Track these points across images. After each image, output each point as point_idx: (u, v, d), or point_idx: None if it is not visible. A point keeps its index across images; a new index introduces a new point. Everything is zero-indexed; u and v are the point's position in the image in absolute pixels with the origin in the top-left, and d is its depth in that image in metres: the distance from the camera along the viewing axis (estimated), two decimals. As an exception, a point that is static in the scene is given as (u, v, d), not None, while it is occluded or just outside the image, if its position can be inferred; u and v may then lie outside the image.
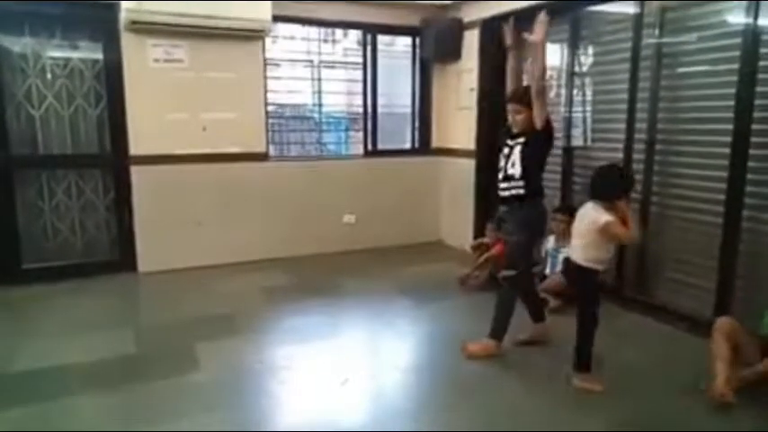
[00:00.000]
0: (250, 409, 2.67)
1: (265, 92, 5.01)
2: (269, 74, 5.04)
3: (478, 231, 5.16)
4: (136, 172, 4.61)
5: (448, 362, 3.17)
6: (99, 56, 4.55)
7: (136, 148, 4.58)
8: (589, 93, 4.36)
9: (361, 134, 5.69)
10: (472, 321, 3.84)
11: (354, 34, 5.64)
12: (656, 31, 3.69)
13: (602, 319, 2.89)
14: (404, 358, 3.34)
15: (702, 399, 2.67)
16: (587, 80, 4.36)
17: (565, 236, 3.97)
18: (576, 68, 4.41)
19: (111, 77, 4.54)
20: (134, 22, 4.30)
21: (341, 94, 5.84)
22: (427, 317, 3.87)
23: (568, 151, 4.49)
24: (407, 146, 5.87)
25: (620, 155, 3.92)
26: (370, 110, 5.55)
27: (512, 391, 2.86)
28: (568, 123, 4.46)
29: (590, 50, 4.33)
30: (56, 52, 4.48)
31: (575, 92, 4.43)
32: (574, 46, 4.39)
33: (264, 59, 4.97)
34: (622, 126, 3.91)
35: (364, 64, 5.47)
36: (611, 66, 4.09)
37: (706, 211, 3.48)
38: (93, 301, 4.14)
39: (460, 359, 3.17)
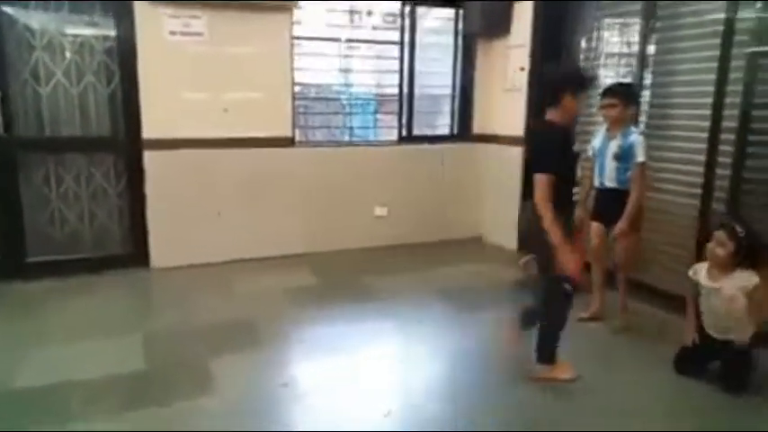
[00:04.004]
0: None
1: (292, 70, 4.53)
2: (295, 51, 4.55)
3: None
4: (150, 157, 4.19)
5: (501, 387, 2.71)
6: (111, 28, 4.12)
7: (150, 130, 4.16)
8: (663, 76, 3.76)
9: (389, 117, 5.20)
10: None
11: (381, 9, 5.11)
12: (758, 4, 3.09)
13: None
14: (451, 382, 2.87)
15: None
16: (660, 60, 3.76)
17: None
18: (650, 48, 3.79)
19: (124, 52, 4.11)
20: (148, -10, 3.87)
21: (370, 74, 5.36)
22: (472, 329, 3.39)
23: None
24: (446, 131, 5.34)
25: (704, 145, 3.35)
26: (406, 91, 5.03)
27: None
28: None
29: (668, 25, 3.71)
30: (64, 24, 4.05)
31: (645, 74, 3.83)
32: (647, 22, 3.78)
33: (292, 33, 4.48)
34: (707, 112, 3.34)
35: (401, 40, 4.94)
36: (695, 42, 3.49)
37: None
38: (102, 300, 3.76)
39: (515, 384, 2.71)
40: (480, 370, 2.94)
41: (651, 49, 3.77)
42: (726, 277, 2.63)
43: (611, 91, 3.28)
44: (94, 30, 4.13)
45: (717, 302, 2.67)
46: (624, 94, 3.25)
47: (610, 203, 3.27)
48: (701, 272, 2.74)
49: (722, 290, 2.64)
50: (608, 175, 3.30)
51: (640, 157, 3.15)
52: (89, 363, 2.86)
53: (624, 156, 3.20)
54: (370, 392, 2.69)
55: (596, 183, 3.41)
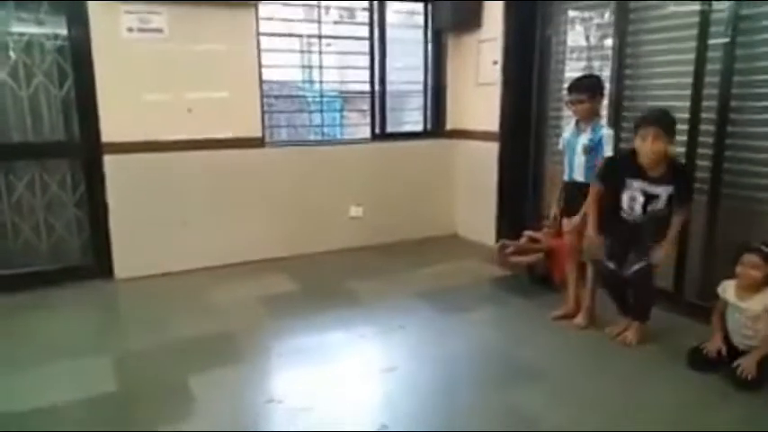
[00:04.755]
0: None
1: (260, 67, 4.33)
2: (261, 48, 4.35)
3: (506, 225, 4.65)
4: (110, 162, 3.94)
5: (494, 388, 2.63)
6: (62, 26, 3.84)
7: (109, 134, 3.91)
8: (639, 68, 3.75)
9: (356, 114, 5.02)
10: (507, 335, 3.31)
11: (344, 4, 4.95)
12: (733, -9, 3.09)
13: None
14: (448, 390, 2.75)
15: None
16: (634, 52, 3.75)
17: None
18: (625, 41, 3.76)
19: (78, 52, 3.84)
20: (102, -16, 3.63)
21: (336, 70, 5.20)
22: (456, 330, 3.31)
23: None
24: (419, 128, 5.23)
25: (684, 137, 3.35)
26: (377, 88, 4.90)
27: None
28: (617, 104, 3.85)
29: (642, 17, 3.69)
30: (8, 22, 3.75)
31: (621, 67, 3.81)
32: (622, 14, 3.76)
33: (258, 30, 4.28)
34: (686, 104, 3.33)
35: (371, 35, 4.80)
36: (672, 33, 3.48)
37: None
38: (63, 317, 3.50)
39: (507, 384, 2.63)
40: (469, 372, 2.86)
41: (626, 41, 3.75)
42: (754, 296, 2.66)
43: (577, 86, 3.23)
44: (43, 28, 3.84)
45: (742, 319, 2.70)
46: (590, 88, 3.20)
47: (580, 198, 3.21)
48: (729, 290, 2.75)
49: (749, 309, 2.66)
50: (577, 170, 3.25)
51: (608, 152, 3.13)
52: (51, 389, 2.62)
53: (595, 150, 3.16)
54: (359, 405, 2.57)
55: (566, 177, 3.37)
